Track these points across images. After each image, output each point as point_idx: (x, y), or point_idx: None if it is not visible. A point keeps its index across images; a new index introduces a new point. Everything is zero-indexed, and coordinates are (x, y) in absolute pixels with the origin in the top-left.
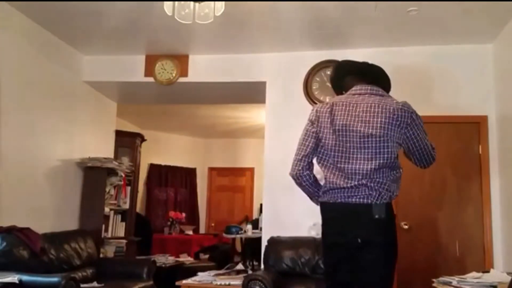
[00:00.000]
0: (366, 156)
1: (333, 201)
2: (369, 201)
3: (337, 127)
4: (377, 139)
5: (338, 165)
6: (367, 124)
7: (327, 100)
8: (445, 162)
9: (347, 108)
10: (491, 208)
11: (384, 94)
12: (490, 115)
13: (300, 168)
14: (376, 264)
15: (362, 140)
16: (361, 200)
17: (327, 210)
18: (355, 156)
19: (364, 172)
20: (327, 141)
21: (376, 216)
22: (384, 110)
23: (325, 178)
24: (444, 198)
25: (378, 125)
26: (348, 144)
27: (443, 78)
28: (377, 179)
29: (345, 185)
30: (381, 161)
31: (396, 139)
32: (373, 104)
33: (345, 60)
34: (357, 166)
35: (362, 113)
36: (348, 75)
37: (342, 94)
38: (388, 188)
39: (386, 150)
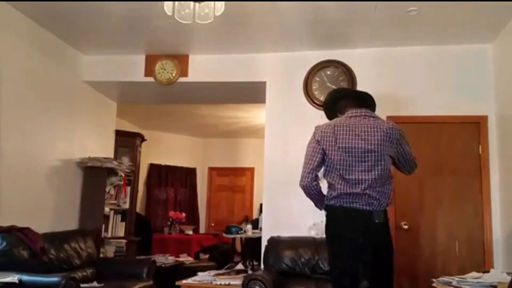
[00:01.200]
0: (366, 168)
1: (339, 204)
2: (371, 208)
3: (341, 145)
4: (375, 153)
5: (344, 176)
6: (366, 142)
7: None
8: (445, 162)
9: (348, 129)
10: (491, 208)
11: (375, 116)
12: (490, 115)
13: (309, 179)
14: (382, 262)
15: (362, 154)
16: (364, 207)
17: (333, 212)
18: (357, 168)
19: (366, 181)
20: (332, 157)
21: (376, 221)
22: (378, 130)
23: (333, 187)
24: (444, 198)
25: (376, 142)
26: (350, 159)
27: (443, 78)
28: (377, 188)
29: (350, 191)
30: (379, 172)
31: (389, 153)
32: (369, 125)
33: (338, 88)
34: (359, 177)
35: (361, 133)
36: (342, 99)
37: (336, 116)
38: (385, 196)
39: (382, 162)
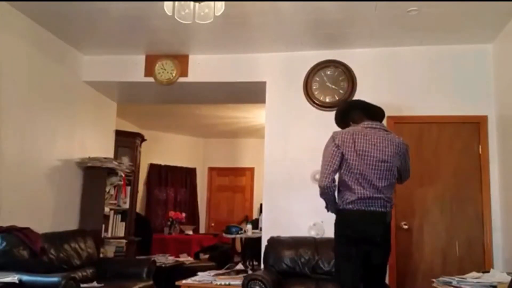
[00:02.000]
0: (379, 176)
1: (357, 208)
2: (384, 210)
3: (359, 151)
4: (388, 164)
5: (359, 180)
6: (381, 152)
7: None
8: (445, 162)
9: (366, 138)
10: (491, 208)
11: (388, 130)
12: (490, 115)
13: (330, 180)
14: (385, 255)
15: (377, 163)
16: (379, 208)
17: (350, 216)
18: (371, 174)
19: (378, 187)
20: (351, 161)
21: (387, 221)
22: (392, 143)
23: (352, 191)
24: (444, 198)
25: (389, 153)
26: (365, 165)
27: (443, 78)
28: (387, 195)
29: (368, 195)
30: (389, 181)
31: (396, 165)
32: (384, 137)
33: (351, 100)
34: (373, 182)
35: (377, 143)
36: (357, 109)
37: (348, 124)
38: (392, 201)
39: (392, 173)
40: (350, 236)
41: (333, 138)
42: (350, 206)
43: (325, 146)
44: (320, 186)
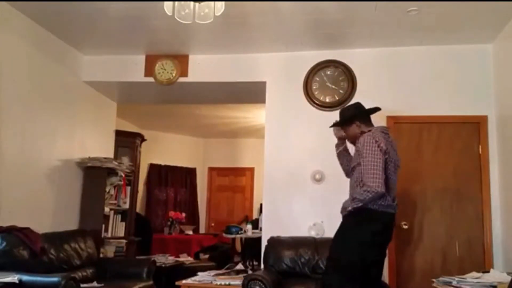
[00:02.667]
0: (396, 180)
1: (381, 210)
2: (395, 211)
3: (392, 158)
4: (399, 169)
5: (390, 185)
6: (398, 158)
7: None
8: (445, 162)
9: (391, 144)
10: (491, 208)
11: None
12: (490, 115)
13: (384, 186)
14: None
15: (397, 169)
16: (395, 210)
17: (381, 215)
18: (394, 180)
19: (395, 191)
20: (388, 168)
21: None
22: (396, 148)
23: (383, 196)
24: (444, 198)
25: (399, 159)
26: (393, 171)
27: (443, 78)
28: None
29: (391, 201)
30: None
31: None
32: (394, 143)
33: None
34: (395, 187)
35: (396, 149)
36: (362, 111)
37: (354, 124)
38: None
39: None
40: (379, 237)
41: (375, 141)
42: (381, 209)
43: (368, 148)
44: (375, 192)
